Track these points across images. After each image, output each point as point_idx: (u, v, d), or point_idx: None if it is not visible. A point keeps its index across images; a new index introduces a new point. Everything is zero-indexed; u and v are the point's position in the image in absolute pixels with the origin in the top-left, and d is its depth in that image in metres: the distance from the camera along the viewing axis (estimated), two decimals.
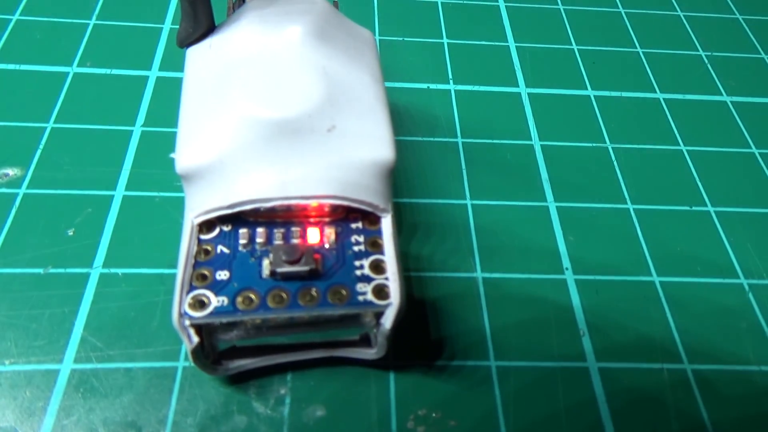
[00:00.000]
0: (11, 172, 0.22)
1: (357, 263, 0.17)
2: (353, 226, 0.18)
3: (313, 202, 0.17)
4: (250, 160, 0.17)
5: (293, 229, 0.17)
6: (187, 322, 0.15)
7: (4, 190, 0.21)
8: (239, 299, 0.16)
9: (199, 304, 0.16)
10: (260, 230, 0.17)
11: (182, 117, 0.18)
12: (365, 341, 0.18)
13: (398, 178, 0.23)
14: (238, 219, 0.17)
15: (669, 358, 0.19)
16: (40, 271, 0.19)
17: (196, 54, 0.19)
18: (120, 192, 0.22)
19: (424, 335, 0.19)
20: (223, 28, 0.20)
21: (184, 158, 0.17)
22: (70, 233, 0.20)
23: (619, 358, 0.19)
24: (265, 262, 0.17)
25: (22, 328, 0.18)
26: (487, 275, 0.21)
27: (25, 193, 0.21)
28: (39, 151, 0.22)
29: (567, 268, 0.21)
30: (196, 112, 0.18)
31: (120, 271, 0.19)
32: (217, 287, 0.16)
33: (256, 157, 0.17)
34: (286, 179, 0.17)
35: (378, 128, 0.18)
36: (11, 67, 0.25)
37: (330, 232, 0.17)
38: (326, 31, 0.19)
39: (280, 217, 0.18)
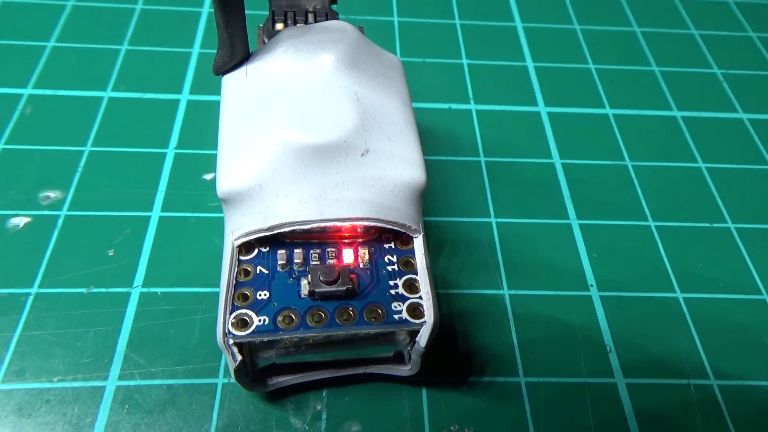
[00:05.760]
0: (53, 194, 0.22)
1: (391, 282, 0.18)
2: (386, 246, 0.18)
3: (348, 224, 0.18)
4: (288, 183, 0.18)
5: (329, 249, 0.18)
6: (231, 341, 0.16)
7: (46, 212, 0.22)
8: (280, 318, 0.16)
9: (242, 323, 0.16)
10: (297, 251, 0.18)
11: (221, 143, 0.19)
12: (399, 358, 0.18)
13: (424, 197, 0.24)
14: (275, 240, 0.18)
15: (695, 374, 0.19)
16: (84, 290, 0.20)
17: (232, 81, 0.20)
18: (156, 213, 0.22)
19: (455, 351, 0.19)
20: (258, 56, 0.20)
21: (224, 182, 0.18)
22: (111, 253, 0.21)
23: (645, 374, 0.19)
24: (304, 282, 0.17)
25: (69, 346, 0.18)
26: (513, 292, 0.21)
27: (67, 215, 0.22)
28: (78, 174, 0.23)
29: (592, 285, 0.21)
30: (235, 138, 0.18)
31: (159, 290, 0.20)
32: (258, 306, 0.17)
33: (293, 181, 0.18)
34: (323, 202, 0.18)
35: (409, 151, 0.19)
36: (48, 92, 0.26)
37: (364, 253, 0.18)
38: (357, 58, 0.20)
39: (315, 238, 0.18)
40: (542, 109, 0.28)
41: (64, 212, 0.22)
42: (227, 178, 0.18)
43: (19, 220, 0.22)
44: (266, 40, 0.23)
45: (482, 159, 0.25)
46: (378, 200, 0.18)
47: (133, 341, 0.19)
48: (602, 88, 0.29)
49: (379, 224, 0.18)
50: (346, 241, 0.18)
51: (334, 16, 0.24)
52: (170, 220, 0.22)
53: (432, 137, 0.26)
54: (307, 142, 0.17)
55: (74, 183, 0.23)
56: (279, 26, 0.24)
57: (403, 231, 0.18)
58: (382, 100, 0.19)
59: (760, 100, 0.29)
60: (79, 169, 0.23)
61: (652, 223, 0.23)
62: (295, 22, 0.24)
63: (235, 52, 0.20)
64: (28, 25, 0.29)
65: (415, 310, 0.17)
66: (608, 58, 0.30)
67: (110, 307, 0.19)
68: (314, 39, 0.20)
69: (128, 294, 0.20)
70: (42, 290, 0.20)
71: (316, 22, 0.23)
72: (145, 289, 0.20)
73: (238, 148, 0.18)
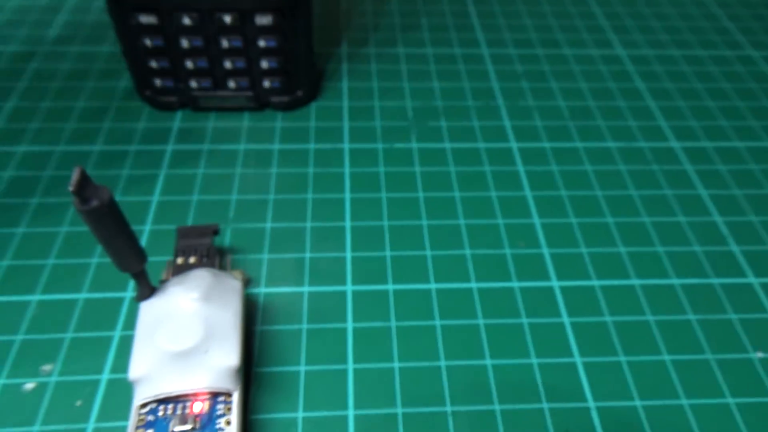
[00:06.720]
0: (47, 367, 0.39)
1: (219, 421, 0.34)
2: (220, 398, 0.35)
3: (195, 391, 0.35)
4: (164, 372, 0.35)
5: (187, 403, 0.35)
6: None
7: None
8: None
9: None
10: (170, 405, 0.35)
11: (133, 347, 0.36)
12: None
13: (255, 355, 0.40)
14: (161, 400, 0.35)
15: None
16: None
17: (144, 307, 0.37)
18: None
19: None
20: (158, 292, 0.38)
21: (131, 372, 0.35)
22: (78, 404, 0.38)
23: None
24: (171, 423, 0.34)
25: None
26: (306, 414, 0.38)
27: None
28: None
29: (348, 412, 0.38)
30: (139, 345, 0.36)
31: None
32: None
33: (167, 370, 0.35)
34: (181, 380, 0.35)
35: (231, 347, 0.36)
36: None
37: (207, 404, 0.35)
38: (210, 293, 0.37)
39: (181, 398, 0.35)
40: (350, 324, 0.44)
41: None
42: (132, 369, 0.35)
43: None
44: (172, 271, 0.40)
45: (304, 326, 0.42)
46: (211, 377, 0.35)
47: None
48: (393, 305, 0.46)
49: (213, 390, 0.35)
50: (199, 397, 0.35)
51: (214, 251, 0.42)
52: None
53: (273, 311, 0.43)
54: (173, 349, 0.35)
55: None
56: (179, 260, 0.42)
57: (226, 391, 0.35)
58: (221, 316, 0.37)
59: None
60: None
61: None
62: (190, 256, 0.42)
63: (144, 293, 0.37)
64: None
65: None
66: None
67: None
68: (186, 284, 0.38)
69: None
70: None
71: (202, 258, 0.41)
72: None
73: (139, 351, 0.35)
